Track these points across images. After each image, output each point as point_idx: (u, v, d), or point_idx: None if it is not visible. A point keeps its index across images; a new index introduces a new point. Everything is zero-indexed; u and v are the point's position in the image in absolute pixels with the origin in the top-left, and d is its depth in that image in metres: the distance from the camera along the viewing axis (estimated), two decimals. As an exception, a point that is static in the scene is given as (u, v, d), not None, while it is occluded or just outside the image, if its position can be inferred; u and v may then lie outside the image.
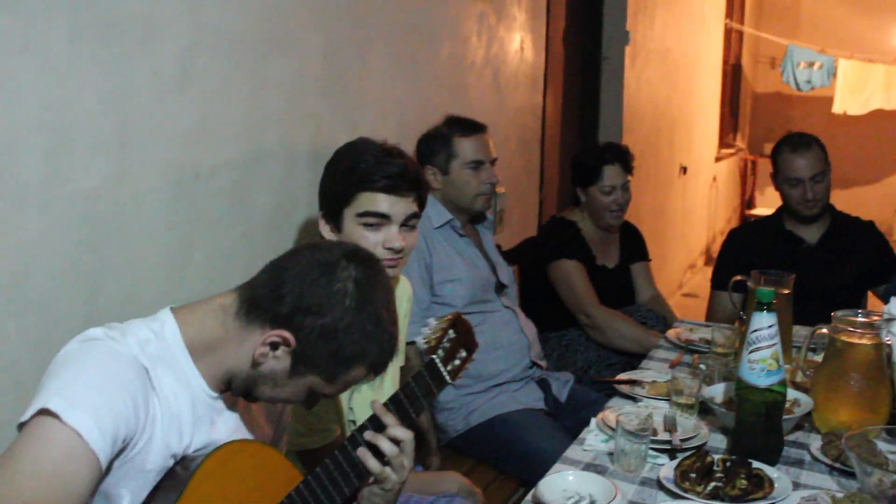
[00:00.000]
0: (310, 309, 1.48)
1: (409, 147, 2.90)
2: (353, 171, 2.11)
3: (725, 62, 8.93)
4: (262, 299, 1.50)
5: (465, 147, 2.95)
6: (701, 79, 7.94)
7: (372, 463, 1.61)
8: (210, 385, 1.54)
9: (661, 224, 6.77)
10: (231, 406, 1.60)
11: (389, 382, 2.27)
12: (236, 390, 1.56)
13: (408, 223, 2.14)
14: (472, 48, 3.69)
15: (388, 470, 1.63)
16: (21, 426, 1.34)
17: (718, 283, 3.53)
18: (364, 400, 2.18)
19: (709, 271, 3.80)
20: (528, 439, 2.79)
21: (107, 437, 1.33)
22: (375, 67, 2.97)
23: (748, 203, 10.16)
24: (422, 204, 2.18)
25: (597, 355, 3.45)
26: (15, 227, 1.78)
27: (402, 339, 2.37)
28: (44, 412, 1.31)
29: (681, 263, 7.76)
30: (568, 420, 2.92)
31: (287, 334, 1.48)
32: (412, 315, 2.51)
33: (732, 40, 9.23)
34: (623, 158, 3.57)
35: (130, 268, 2.06)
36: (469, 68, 3.68)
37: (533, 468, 2.38)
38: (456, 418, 2.91)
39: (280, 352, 1.49)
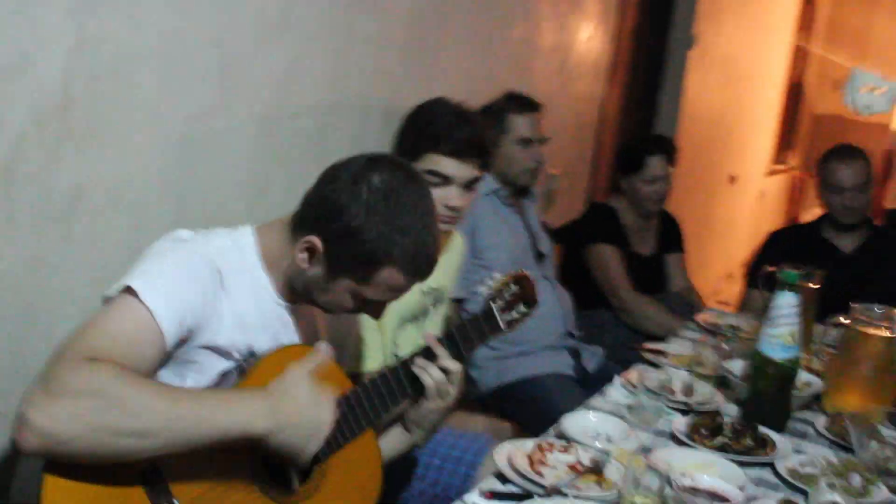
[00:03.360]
0: (330, 213, 1.63)
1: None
2: (425, 131, 2.28)
3: (788, 79, 8.99)
4: (301, 211, 1.70)
5: (518, 124, 3.12)
6: (761, 92, 8.01)
7: (427, 379, 1.79)
8: (279, 294, 1.74)
9: (705, 230, 6.88)
10: (297, 323, 1.80)
11: (433, 325, 2.46)
12: (302, 297, 1.75)
13: (469, 186, 2.31)
14: (543, 32, 3.86)
15: (435, 391, 1.81)
16: (105, 300, 1.56)
17: (752, 281, 3.67)
18: (408, 337, 2.37)
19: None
20: (555, 401, 2.95)
21: (174, 320, 1.53)
22: (452, 39, 3.16)
23: (794, 221, 10.20)
24: (485, 168, 2.34)
25: (625, 336, 3.62)
26: (124, 138, 2.00)
27: (448, 294, 2.56)
28: (126, 290, 1.52)
29: (718, 272, 7.86)
30: (594, 391, 3.07)
31: (314, 239, 1.64)
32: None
33: (798, 58, 9.27)
34: (667, 150, 3.73)
35: (215, 190, 2.27)
36: (537, 51, 3.86)
37: (556, 428, 2.56)
38: (489, 375, 3.09)
39: (315, 258, 1.66)
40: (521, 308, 2.00)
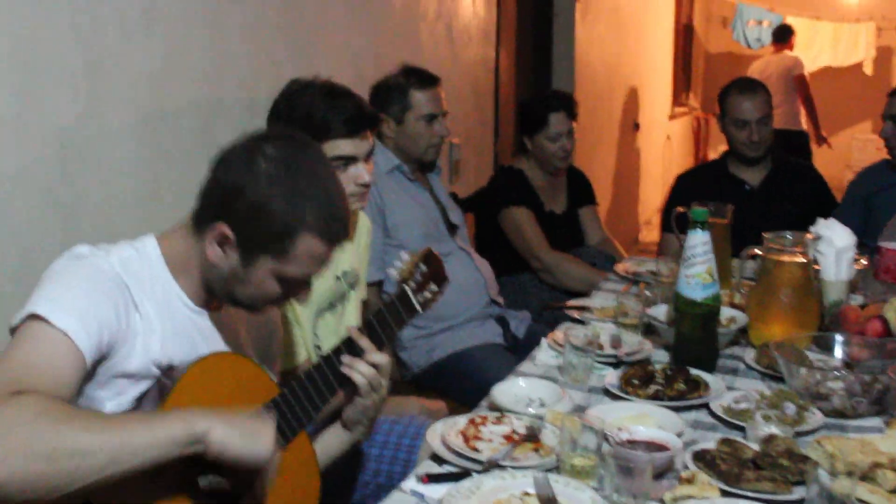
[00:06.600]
0: (230, 194, 1.54)
1: (365, 95, 2.99)
2: (310, 121, 2.19)
3: (677, 22, 9.09)
4: (200, 205, 1.60)
5: (421, 100, 3.05)
6: (652, 37, 8.08)
7: (358, 377, 1.72)
8: (192, 300, 1.63)
9: (616, 180, 6.93)
10: (216, 327, 1.69)
11: (352, 310, 2.38)
12: (223, 298, 1.65)
13: (368, 157, 2.25)
14: (424, 1, 3.78)
15: (368, 388, 1.74)
16: (13, 331, 1.45)
17: (667, 225, 3.68)
18: (328, 326, 2.30)
19: (665, 229, 3.94)
20: (488, 371, 2.89)
21: (92, 339, 1.44)
22: (332, 15, 3.07)
23: (702, 161, 10.36)
24: (376, 131, 2.32)
25: (550, 297, 3.59)
26: (-9, 160, 1.88)
27: (363, 277, 2.49)
28: (33, 317, 1.42)
29: (637, 220, 7.94)
30: (526, 356, 3.05)
31: (221, 226, 1.55)
32: (369, 258, 2.61)
33: (684, 1, 9.38)
34: (568, 105, 3.70)
35: (105, 201, 2.15)
36: (421, 20, 3.78)
37: (493, 399, 2.51)
38: (418, 355, 3.03)
39: (227, 246, 1.57)
40: (433, 287, 1.96)
